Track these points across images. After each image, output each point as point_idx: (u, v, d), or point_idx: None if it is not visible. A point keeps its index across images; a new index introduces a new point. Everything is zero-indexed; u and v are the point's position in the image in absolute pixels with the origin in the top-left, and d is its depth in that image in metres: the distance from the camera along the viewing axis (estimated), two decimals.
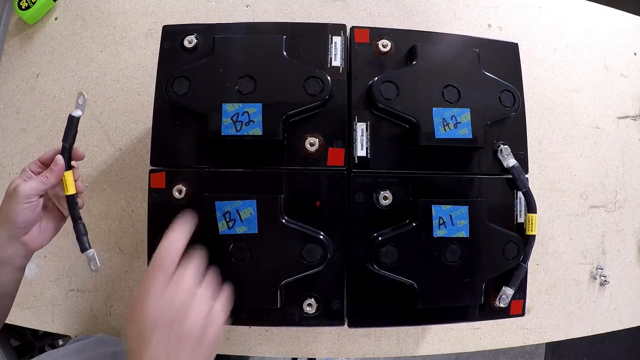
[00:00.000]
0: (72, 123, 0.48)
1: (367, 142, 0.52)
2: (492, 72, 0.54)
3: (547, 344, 1.38)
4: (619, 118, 0.77)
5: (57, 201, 0.49)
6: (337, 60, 0.52)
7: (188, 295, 0.36)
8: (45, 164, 0.48)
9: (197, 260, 0.39)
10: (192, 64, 0.51)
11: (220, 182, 0.50)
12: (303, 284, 0.50)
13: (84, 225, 0.49)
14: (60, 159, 0.46)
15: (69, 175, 0.47)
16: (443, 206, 0.50)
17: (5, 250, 0.45)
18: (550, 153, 0.73)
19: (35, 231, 0.47)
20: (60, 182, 0.47)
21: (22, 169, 0.47)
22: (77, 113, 0.48)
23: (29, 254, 0.48)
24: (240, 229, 0.47)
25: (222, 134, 0.47)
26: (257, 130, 0.48)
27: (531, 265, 0.65)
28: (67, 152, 0.47)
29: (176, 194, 0.49)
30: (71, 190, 0.47)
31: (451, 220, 0.50)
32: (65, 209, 0.49)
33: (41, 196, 0.46)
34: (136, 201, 0.67)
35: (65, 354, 0.51)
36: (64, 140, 0.47)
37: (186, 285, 0.36)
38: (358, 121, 0.52)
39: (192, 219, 0.41)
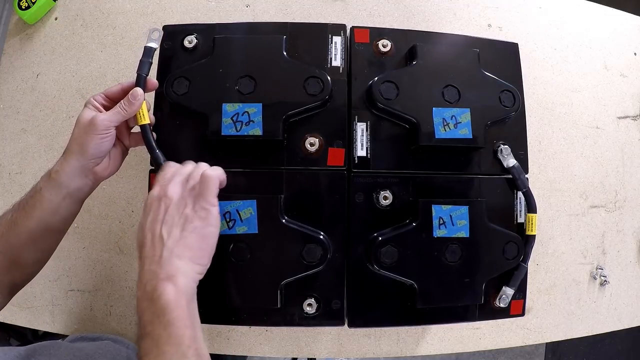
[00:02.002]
0: (150, 53, 0.48)
1: (367, 142, 0.52)
2: (492, 72, 0.54)
3: (547, 344, 1.38)
4: (619, 118, 0.77)
5: (119, 133, 0.49)
6: (337, 60, 0.52)
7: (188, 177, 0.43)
8: (112, 97, 0.48)
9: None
10: (192, 64, 0.51)
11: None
12: (303, 284, 0.50)
13: (162, 152, 0.48)
14: (140, 91, 0.46)
15: (143, 105, 0.47)
16: (443, 206, 0.50)
17: (75, 182, 0.45)
18: (550, 153, 0.73)
19: (106, 161, 0.48)
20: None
21: (85, 101, 0.46)
22: (153, 45, 0.49)
23: (96, 184, 0.48)
24: (240, 229, 0.47)
25: (222, 134, 0.48)
26: (257, 130, 0.48)
27: (531, 265, 0.65)
28: (144, 81, 0.47)
29: None
30: (146, 120, 0.47)
31: (451, 220, 0.50)
32: (127, 140, 0.50)
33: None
34: (136, 201, 0.67)
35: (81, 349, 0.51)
36: (139, 70, 0.47)
37: (185, 175, 0.43)
38: (358, 121, 0.52)
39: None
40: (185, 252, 0.39)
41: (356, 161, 0.51)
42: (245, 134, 0.48)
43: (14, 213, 0.46)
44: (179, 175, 0.43)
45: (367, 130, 0.52)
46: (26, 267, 0.48)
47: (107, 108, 0.47)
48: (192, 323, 0.37)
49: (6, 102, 0.71)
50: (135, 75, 0.47)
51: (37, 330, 0.96)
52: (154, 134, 0.49)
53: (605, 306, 0.72)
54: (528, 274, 0.53)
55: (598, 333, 0.71)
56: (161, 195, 0.41)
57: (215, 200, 0.42)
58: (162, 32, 0.50)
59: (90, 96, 0.47)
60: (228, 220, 0.47)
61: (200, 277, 0.40)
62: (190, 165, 0.44)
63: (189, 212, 0.40)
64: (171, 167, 0.44)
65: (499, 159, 0.53)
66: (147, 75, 0.48)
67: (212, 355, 0.60)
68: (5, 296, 0.47)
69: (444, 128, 0.50)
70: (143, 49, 0.48)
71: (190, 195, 0.41)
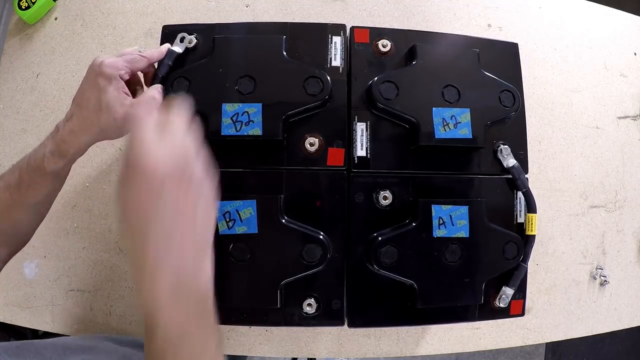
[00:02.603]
0: (172, 56, 0.50)
1: (367, 142, 0.52)
2: (492, 72, 0.54)
3: (547, 344, 1.38)
4: (619, 118, 0.77)
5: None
6: (337, 60, 0.52)
7: (186, 143, 0.33)
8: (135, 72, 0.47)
9: (182, 105, 0.35)
10: (192, 64, 0.51)
11: (220, 182, 0.50)
12: (303, 284, 0.50)
13: None
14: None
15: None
16: (443, 206, 0.50)
17: (83, 152, 0.45)
18: (550, 153, 0.73)
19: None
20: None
21: (108, 74, 0.44)
22: (177, 49, 0.50)
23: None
24: (240, 229, 0.47)
25: (222, 134, 0.47)
26: (257, 130, 0.48)
27: (531, 265, 0.65)
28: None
29: None
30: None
31: (451, 220, 0.50)
32: None
33: None
34: None
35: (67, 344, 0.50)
36: (158, 69, 0.49)
37: (181, 133, 0.33)
38: (358, 121, 0.52)
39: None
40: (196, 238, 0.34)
41: (356, 161, 0.51)
42: (245, 134, 0.48)
43: (12, 193, 0.44)
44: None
45: (367, 130, 0.52)
46: (25, 236, 0.48)
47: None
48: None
49: (6, 102, 0.71)
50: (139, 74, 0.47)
51: (37, 330, 0.96)
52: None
53: (605, 306, 0.72)
54: (528, 274, 0.53)
55: (598, 333, 0.71)
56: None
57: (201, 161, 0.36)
58: (189, 37, 0.51)
59: (114, 66, 0.44)
60: (228, 220, 0.47)
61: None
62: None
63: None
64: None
65: (499, 159, 0.53)
66: (163, 75, 0.49)
67: None
68: (1, 263, 0.47)
69: (444, 128, 0.50)
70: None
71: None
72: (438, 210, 0.50)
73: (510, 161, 0.52)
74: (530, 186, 0.53)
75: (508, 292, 0.52)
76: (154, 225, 0.30)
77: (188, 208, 0.31)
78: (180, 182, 0.31)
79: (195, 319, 0.31)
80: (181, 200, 0.31)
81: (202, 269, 0.32)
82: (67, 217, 0.66)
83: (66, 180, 0.49)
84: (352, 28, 0.54)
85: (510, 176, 0.52)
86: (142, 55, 0.46)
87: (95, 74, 0.43)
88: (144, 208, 0.30)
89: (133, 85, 0.49)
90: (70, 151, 0.44)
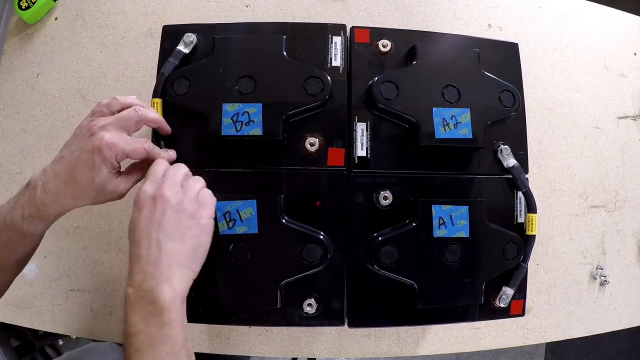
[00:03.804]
0: (178, 56, 0.50)
1: (367, 142, 0.52)
2: (492, 72, 0.54)
3: (547, 344, 1.38)
4: (619, 118, 0.77)
5: None
6: (337, 60, 0.52)
7: (182, 181, 0.43)
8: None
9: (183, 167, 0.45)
10: (192, 64, 0.51)
11: (220, 182, 0.50)
12: (303, 284, 0.50)
13: None
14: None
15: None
16: (443, 206, 0.50)
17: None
18: (550, 153, 0.73)
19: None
20: None
21: (100, 146, 0.41)
22: (182, 48, 0.51)
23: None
24: (240, 229, 0.47)
25: (222, 134, 0.48)
26: (257, 130, 0.48)
27: (531, 265, 0.65)
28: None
29: None
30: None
31: (451, 220, 0.50)
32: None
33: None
34: None
35: None
36: (164, 68, 0.50)
37: (179, 177, 0.43)
38: (358, 121, 0.52)
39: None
40: (182, 257, 0.40)
41: (356, 161, 0.51)
42: (245, 134, 0.48)
43: None
44: (173, 176, 0.43)
45: (367, 130, 0.52)
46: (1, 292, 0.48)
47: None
48: (184, 325, 0.38)
49: (6, 102, 0.71)
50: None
51: (37, 330, 0.96)
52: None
53: (605, 306, 0.72)
54: (528, 274, 0.53)
55: (598, 333, 0.71)
56: (156, 195, 0.40)
57: (214, 212, 0.44)
58: (195, 38, 0.51)
59: (112, 148, 0.42)
60: (228, 220, 0.47)
61: (191, 282, 0.41)
62: (181, 169, 0.44)
63: (188, 221, 0.41)
64: (161, 164, 0.44)
65: (499, 159, 0.53)
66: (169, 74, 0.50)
67: (212, 355, 0.61)
68: None
69: (444, 128, 0.50)
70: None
71: (190, 201, 0.42)
72: (438, 210, 0.50)
73: (510, 161, 0.52)
74: (530, 186, 0.53)
75: (508, 292, 0.52)
76: (146, 235, 0.39)
77: (176, 232, 0.40)
78: (180, 212, 0.41)
79: (147, 324, 0.37)
80: (174, 224, 0.40)
81: (168, 282, 0.38)
82: (67, 217, 0.66)
83: None
84: (352, 28, 0.54)
85: (510, 176, 0.52)
86: (137, 111, 0.44)
87: (93, 148, 0.41)
88: (142, 224, 0.40)
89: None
90: (52, 215, 0.43)
